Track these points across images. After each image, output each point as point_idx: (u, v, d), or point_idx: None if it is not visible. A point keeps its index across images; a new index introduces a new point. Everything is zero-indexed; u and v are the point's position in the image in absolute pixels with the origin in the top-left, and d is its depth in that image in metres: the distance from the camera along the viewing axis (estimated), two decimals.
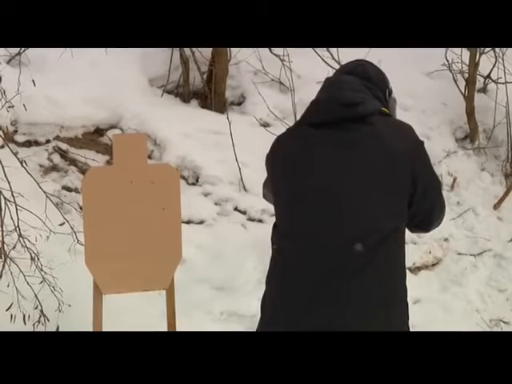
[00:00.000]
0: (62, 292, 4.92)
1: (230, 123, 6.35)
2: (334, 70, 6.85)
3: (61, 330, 4.90)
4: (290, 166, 3.23)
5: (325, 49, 6.90)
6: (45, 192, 5.04)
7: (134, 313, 5.21)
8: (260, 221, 6.33)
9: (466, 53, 7.39)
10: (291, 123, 6.16)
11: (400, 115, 7.22)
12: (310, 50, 6.79)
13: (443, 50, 7.19)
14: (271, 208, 6.35)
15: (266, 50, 6.92)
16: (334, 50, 6.88)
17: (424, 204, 3.29)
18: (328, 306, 3.05)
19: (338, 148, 3.11)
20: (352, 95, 3.19)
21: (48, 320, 4.88)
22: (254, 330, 5.49)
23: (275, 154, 3.36)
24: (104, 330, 4.69)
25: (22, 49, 6.29)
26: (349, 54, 6.76)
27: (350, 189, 3.07)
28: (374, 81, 3.38)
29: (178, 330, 4.80)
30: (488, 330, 5.78)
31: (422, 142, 3.23)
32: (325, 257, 3.06)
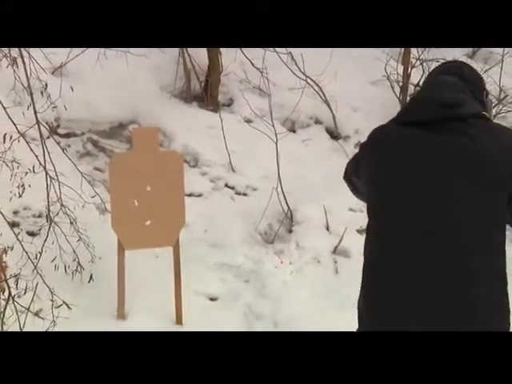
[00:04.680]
0: (94, 248, 4.93)
1: (221, 120, 6.34)
2: (301, 80, 6.94)
3: (94, 277, 4.89)
4: (391, 164, 2.53)
5: (294, 62, 6.88)
6: (80, 172, 5.04)
7: (149, 263, 5.21)
8: (245, 194, 6.33)
9: (400, 66, 7.39)
10: (269, 120, 6.15)
11: (350, 114, 7.27)
12: (282, 64, 6.78)
13: (383, 64, 7.19)
14: (254, 184, 6.40)
15: (249, 64, 6.90)
16: (300, 64, 6.86)
17: None
18: (437, 312, 2.37)
19: (438, 149, 2.45)
20: (453, 95, 2.53)
21: (83, 269, 4.89)
22: (240, 277, 5.52)
23: (374, 147, 2.64)
24: (126, 276, 4.70)
25: (63, 62, 6.28)
26: (312, 67, 6.78)
27: (453, 192, 2.40)
28: (471, 81, 2.66)
29: (181, 278, 4.80)
30: None
31: None
32: (429, 261, 2.39)
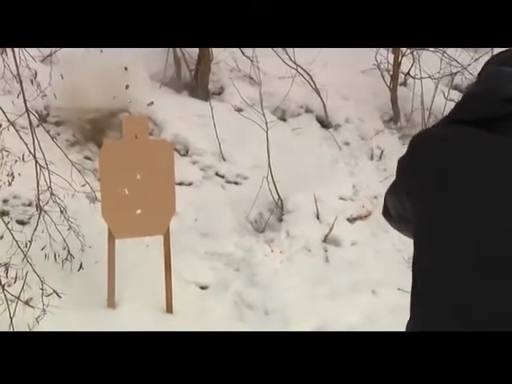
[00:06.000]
0: (84, 237, 4.91)
1: (212, 109, 6.32)
2: (291, 69, 6.92)
3: (84, 265, 4.89)
4: (444, 175, 1.94)
5: (284, 51, 6.86)
6: (70, 160, 5.01)
7: (139, 253, 5.21)
8: (235, 183, 6.33)
9: (390, 55, 7.39)
10: (259, 109, 6.14)
11: (341, 103, 7.27)
12: (273, 52, 6.76)
13: (374, 52, 7.18)
14: (244, 172, 6.40)
15: (240, 52, 6.89)
16: (291, 53, 6.84)
17: None
18: None
19: (505, 151, 1.90)
20: None
21: (74, 258, 4.88)
22: (230, 265, 5.53)
23: (420, 158, 2.02)
24: (116, 265, 4.69)
25: (53, 50, 6.25)
26: (302, 56, 6.77)
27: None
28: None
29: (172, 266, 4.80)
30: (406, 265, 5.79)
31: None
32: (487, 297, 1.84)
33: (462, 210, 1.90)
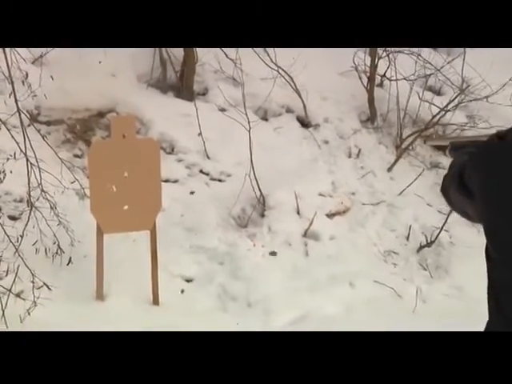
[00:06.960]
0: (73, 232, 4.94)
1: (196, 109, 6.36)
2: (273, 71, 6.96)
3: (73, 259, 4.93)
4: None
5: (266, 53, 6.90)
6: (60, 158, 5.03)
7: (127, 247, 5.24)
8: (219, 180, 6.35)
9: (368, 57, 7.44)
10: (242, 109, 6.18)
11: (320, 103, 7.33)
12: (255, 55, 6.79)
13: (351, 55, 7.24)
14: (228, 170, 6.44)
15: (223, 54, 6.92)
16: (272, 55, 6.88)
17: None
18: None
19: None
20: None
21: (63, 252, 4.92)
22: (214, 259, 5.56)
23: (494, 158, 1.70)
24: (104, 259, 4.72)
25: (44, 52, 6.26)
26: (283, 58, 6.81)
27: None
28: None
29: (158, 260, 4.84)
30: (382, 258, 5.86)
31: None
32: None
33: None
